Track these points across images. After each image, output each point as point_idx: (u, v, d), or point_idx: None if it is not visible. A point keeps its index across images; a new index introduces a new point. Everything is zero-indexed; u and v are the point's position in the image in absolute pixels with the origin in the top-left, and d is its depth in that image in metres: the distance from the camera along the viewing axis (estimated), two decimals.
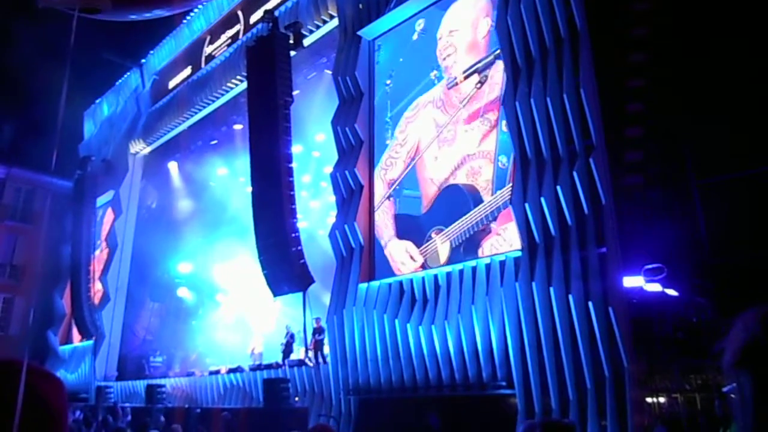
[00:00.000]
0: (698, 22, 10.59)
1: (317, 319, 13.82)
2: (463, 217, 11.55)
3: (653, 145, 10.51)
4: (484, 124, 11.68)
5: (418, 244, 12.10)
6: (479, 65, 12.28)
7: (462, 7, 12.94)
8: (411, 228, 12.44)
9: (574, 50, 9.93)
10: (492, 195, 11.12)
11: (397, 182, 13.20)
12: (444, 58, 12.79)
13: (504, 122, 11.18)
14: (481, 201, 11.34)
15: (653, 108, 10.37)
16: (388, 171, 13.38)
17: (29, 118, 28.00)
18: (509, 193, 10.64)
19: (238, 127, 21.20)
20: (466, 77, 12.38)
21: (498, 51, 11.69)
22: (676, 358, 9.90)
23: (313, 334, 13.82)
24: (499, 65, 11.59)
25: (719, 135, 10.92)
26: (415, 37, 14.00)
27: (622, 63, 10.29)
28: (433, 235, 11.98)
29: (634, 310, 9.09)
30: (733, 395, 1.02)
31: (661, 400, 9.61)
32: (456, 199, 11.83)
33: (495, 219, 10.89)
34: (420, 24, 14.02)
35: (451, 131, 12.36)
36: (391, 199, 13.13)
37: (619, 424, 8.22)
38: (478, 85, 12.20)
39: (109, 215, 24.08)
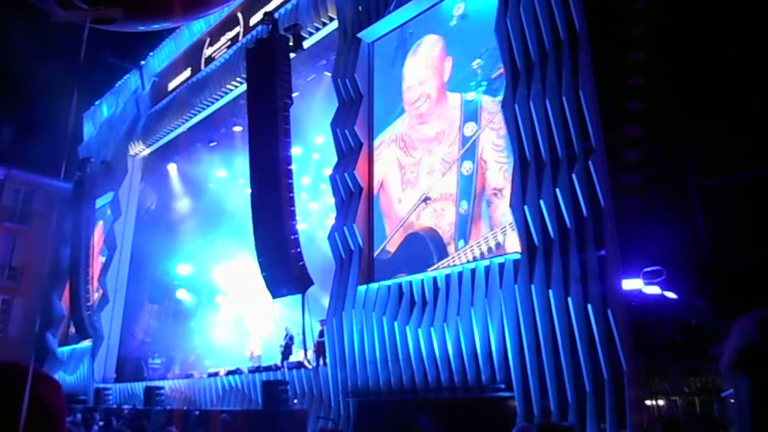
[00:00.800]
0: (698, 23, 10.60)
1: (322, 321, 13.80)
2: (433, 267, 11.62)
3: (652, 147, 10.52)
4: (445, 166, 11.99)
5: None
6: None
7: (422, 56, 13.30)
8: (383, 270, 12.59)
9: (573, 53, 9.94)
10: (455, 245, 11.30)
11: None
12: (418, 107, 13.02)
13: (464, 164, 11.59)
14: (443, 248, 11.54)
15: (652, 110, 10.38)
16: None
17: (28, 120, 27.99)
18: (470, 252, 10.92)
19: (237, 128, 21.22)
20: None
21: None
22: (675, 360, 9.89)
23: (319, 336, 13.81)
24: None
25: (718, 137, 10.93)
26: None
27: (621, 65, 10.30)
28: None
29: (633, 312, 9.09)
30: (731, 399, 1.02)
31: (660, 402, 9.60)
32: (419, 247, 12.03)
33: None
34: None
35: (414, 173, 12.67)
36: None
37: (618, 426, 8.22)
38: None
39: (106, 219, 24.07)
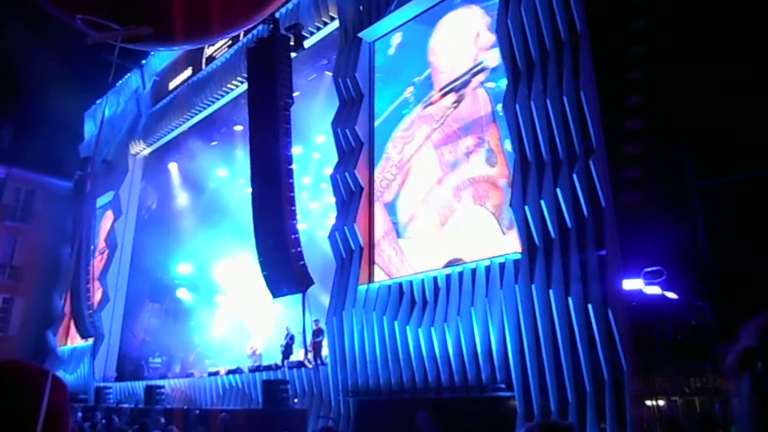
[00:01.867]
0: (699, 23, 10.60)
1: (316, 321, 13.83)
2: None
3: (653, 147, 10.52)
4: (485, 146, 11.54)
5: None
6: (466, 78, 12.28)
7: (455, 19, 12.83)
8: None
9: (574, 52, 9.94)
10: (502, 230, 10.73)
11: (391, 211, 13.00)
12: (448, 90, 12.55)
13: (506, 142, 11.01)
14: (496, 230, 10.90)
15: (653, 109, 10.38)
16: (384, 193, 13.25)
17: (29, 118, 28.02)
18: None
19: (238, 128, 21.25)
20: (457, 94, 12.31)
21: (480, 65, 11.90)
22: (675, 360, 9.90)
23: (313, 335, 13.83)
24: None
25: (719, 138, 10.93)
26: (391, 51, 14.07)
27: (621, 65, 10.30)
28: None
29: (634, 313, 9.09)
30: (735, 399, 1.04)
31: (661, 402, 9.61)
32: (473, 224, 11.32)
33: None
34: (397, 38, 14.11)
35: (452, 154, 12.16)
36: (391, 236, 12.85)
37: (618, 426, 8.22)
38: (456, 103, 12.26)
39: (107, 218, 24.09)
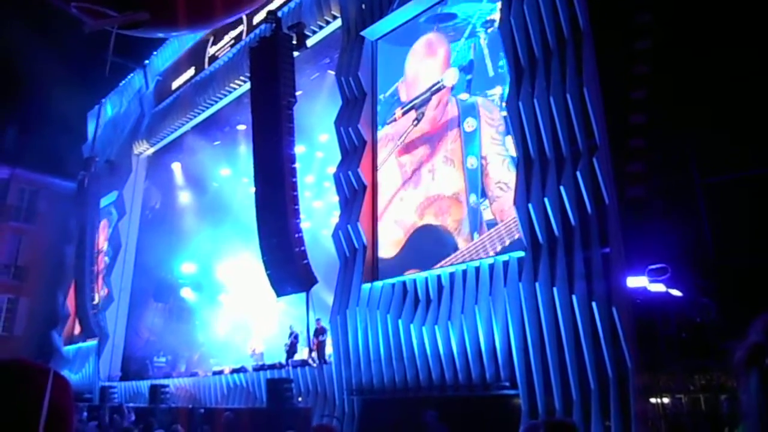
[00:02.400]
0: (704, 19, 10.56)
1: (318, 320, 13.84)
2: (446, 260, 11.59)
3: (657, 145, 10.49)
4: (448, 163, 12.01)
5: None
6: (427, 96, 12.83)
7: (422, 53, 13.34)
8: (384, 270, 12.64)
9: (577, 50, 9.92)
10: (470, 237, 11.26)
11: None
12: (419, 106, 13.03)
13: (469, 159, 11.63)
14: (452, 244, 11.53)
15: (657, 108, 10.35)
16: None
17: (33, 119, 28.09)
18: (488, 242, 10.90)
19: (241, 127, 21.27)
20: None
21: (438, 84, 12.55)
22: (680, 358, 9.86)
23: (315, 334, 13.84)
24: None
25: (724, 134, 10.89)
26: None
27: (625, 62, 10.27)
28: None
29: (638, 310, 9.07)
30: (743, 395, 1.04)
31: (665, 400, 9.58)
32: (430, 240, 11.99)
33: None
34: None
35: (415, 172, 12.71)
36: None
37: (622, 424, 8.21)
38: (416, 122, 12.89)
39: (105, 224, 24.18)
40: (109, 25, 2.58)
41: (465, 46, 12.41)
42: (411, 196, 12.63)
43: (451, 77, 12.46)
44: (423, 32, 13.40)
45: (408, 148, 12.96)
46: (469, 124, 11.85)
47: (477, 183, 11.47)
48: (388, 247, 12.77)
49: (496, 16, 11.88)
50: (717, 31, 10.52)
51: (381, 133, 13.62)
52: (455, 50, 12.56)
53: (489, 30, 12.09)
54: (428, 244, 12.01)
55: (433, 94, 12.71)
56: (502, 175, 11.07)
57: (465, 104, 12.05)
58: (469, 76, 12.13)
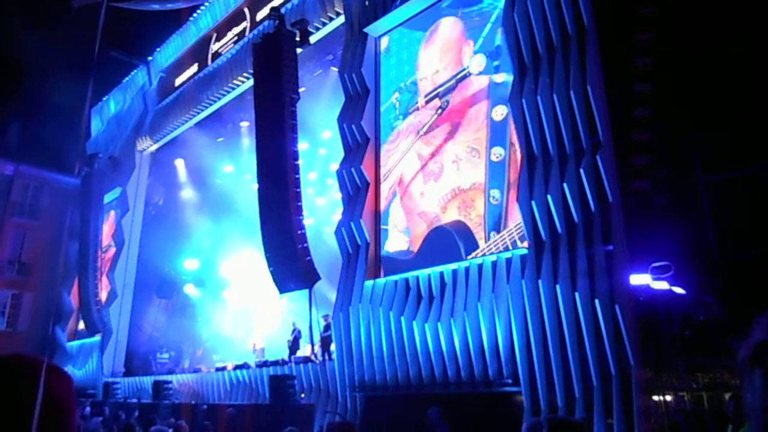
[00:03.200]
0: (709, 13, 10.51)
1: (326, 316, 13.85)
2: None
3: (661, 143, 10.46)
4: (473, 154, 11.56)
5: None
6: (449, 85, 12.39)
7: (438, 41, 12.94)
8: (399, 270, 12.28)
9: (581, 47, 9.88)
10: (486, 236, 10.92)
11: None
12: (435, 98, 12.63)
13: (493, 150, 11.15)
14: (473, 241, 11.11)
15: (661, 105, 10.32)
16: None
17: (36, 116, 28.13)
18: (507, 237, 10.61)
19: (244, 124, 21.31)
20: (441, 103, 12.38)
21: (464, 71, 12.07)
22: (683, 356, 9.86)
23: (324, 330, 13.86)
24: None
25: (727, 132, 10.86)
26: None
27: (629, 59, 10.23)
28: None
29: (641, 308, 9.06)
30: (747, 394, 1.03)
31: (668, 398, 9.58)
32: (446, 242, 11.58)
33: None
34: (383, 43, 14.24)
35: (437, 163, 12.23)
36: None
37: (625, 422, 8.20)
38: (440, 110, 12.41)
39: (112, 216, 24.23)
40: None
41: (491, 31, 11.93)
42: (433, 188, 12.16)
43: (477, 64, 11.98)
44: (444, 17, 12.95)
45: (431, 138, 12.47)
46: (499, 112, 11.25)
47: (502, 177, 10.92)
48: (413, 241, 12.33)
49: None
50: (721, 27, 10.47)
51: (403, 123, 13.17)
52: (482, 36, 12.08)
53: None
54: (447, 243, 11.53)
55: (458, 81, 12.20)
56: None
57: (497, 88, 11.40)
58: (496, 62, 11.60)
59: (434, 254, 11.74)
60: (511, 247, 10.46)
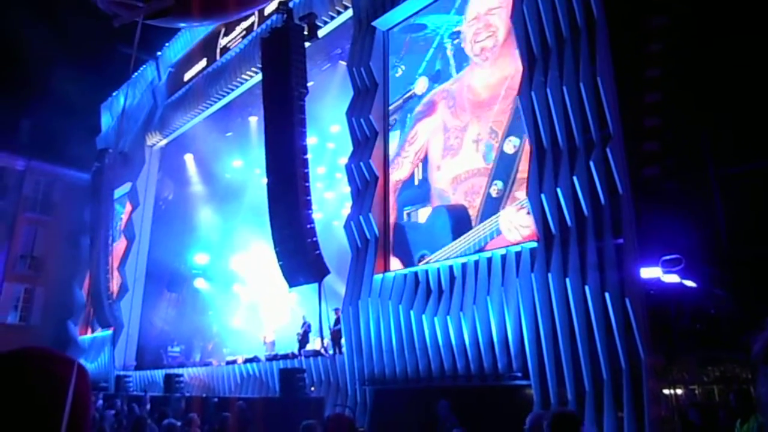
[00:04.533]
0: (720, 7, 10.39)
1: (337, 310, 13.90)
2: (446, 247, 11.38)
3: (671, 135, 10.37)
4: (491, 137, 11.33)
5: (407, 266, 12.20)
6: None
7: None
8: (404, 246, 12.41)
9: (590, 39, 9.81)
10: (480, 222, 10.89)
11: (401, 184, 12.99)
12: (481, 41, 11.95)
13: (509, 140, 10.91)
14: (468, 226, 11.07)
15: (671, 97, 10.22)
16: (395, 171, 13.24)
17: (47, 111, 28.30)
18: (496, 221, 10.64)
19: (253, 118, 21.32)
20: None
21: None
22: (693, 349, 9.81)
23: (335, 324, 13.92)
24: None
25: (739, 124, 10.75)
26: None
27: (639, 51, 10.14)
28: (417, 262, 11.96)
29: (652, 301, 9.01)
30: (761, 388, 1.02)
31: (679, 391, 9.54)
32: (441, 223, 11.61)
33: (482, 249, 10.83)
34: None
35: (458, 139, 11.94)
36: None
37: (635, 416, 8.19)
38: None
39: (126, 208, 24.39)
40: (137, 16, 2.62)
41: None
42: (449, 164, 11.88)
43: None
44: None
45: (457, 108, 12.03)
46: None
47: (510, 170, 10.62)
48: (419, 218, 12.34)
49: (462, 28, 12.03)
50: (734, 17, 10.35)
51: (441, 87, 12.62)
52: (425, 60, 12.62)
53: (455, 41, 12.22)
54: (441, 227, 11.52)
55: (500, 24, 11.60)
56: None
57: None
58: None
59: (430, 235, 11.84)
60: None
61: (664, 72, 10.04)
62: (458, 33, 12.22)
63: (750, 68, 10.31)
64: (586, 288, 8.86)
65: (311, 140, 15.90)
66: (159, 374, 18.18)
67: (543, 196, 9.66)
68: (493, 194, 10.93)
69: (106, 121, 28.53)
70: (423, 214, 12.33)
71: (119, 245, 23.80)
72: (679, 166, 10.71)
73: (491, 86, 11.66)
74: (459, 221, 11.37)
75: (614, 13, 9.84)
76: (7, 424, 1.06)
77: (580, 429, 3.01)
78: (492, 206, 10.91)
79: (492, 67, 11.76)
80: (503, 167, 10.96)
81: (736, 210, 11.18)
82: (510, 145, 10.96)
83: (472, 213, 11.21)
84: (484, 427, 8.96)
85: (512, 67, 11.15)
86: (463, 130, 11.86)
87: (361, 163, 13.33)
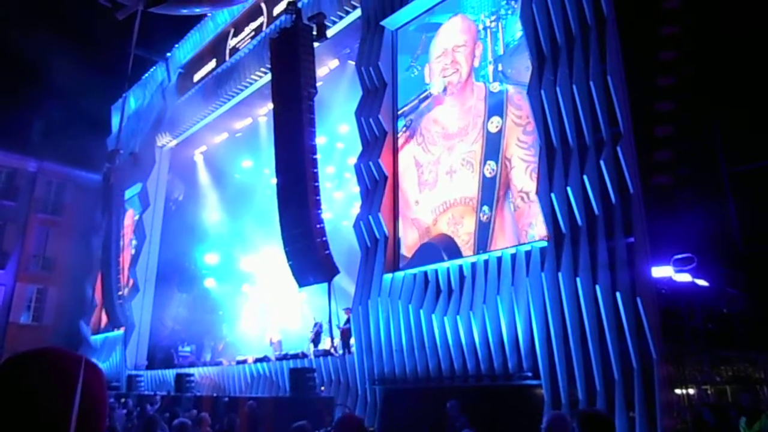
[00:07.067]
0: (730, 3, 10.31)
1: (347, 309, 13.91)
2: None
3: (683, 132, 10.29)
4: (467, 167, 11.55)
5: None
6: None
7: (456, 26, 12.79)
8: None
9: (601, 37, 9.75)
10: (474, 254, 10.97)
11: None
12: (448, 76, 12.51)
13: (488, 164, 11.11)
14: (459, 254, 11.20)
15: (683, 95, 10.15)
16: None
17: (58, 113, 28.53)
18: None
19: (262, 119, 21.37)
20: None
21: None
22: (706, 349, 9.74)
23: (346, 323, 13.94)
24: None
25: (751, 122, 10.66)
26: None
27: (650, 49, 10.08)
28: None
29: (663, 300, 8.96)
30: None
31: (691, 391, 9.48)
32: (433, 252, 11.69)
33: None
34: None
35: (432, 172, 12.26)
36: None
37: (647, 416, 8.13)
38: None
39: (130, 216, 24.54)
40: (138, 5, 2.62)
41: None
42: (427, 197, 12.28)
43: (478, 53, 12.11)
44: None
45: (427, 143, 12.59)
46: (494, 123, 11.22)
47: (492, 194, 10.93)
48: (407, 249, 12.54)
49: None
50: (746, 17, 10.26)
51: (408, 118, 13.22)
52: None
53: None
54: (434, 257, 11.62)
55: (464, 62, 12.08)
56: (525, 184, 10.44)
57: (494, 98, 11.39)
58: (500, 66, 11.57)
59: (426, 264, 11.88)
60: None
61: (675, 70, 9.97)
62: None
63: (763, 65, 10.21)
64: (597, 287, 8.81)
65: (320, 140, 15.92)
66: (170, 374, 18.27)
67: (553, 195, 9.61)
68: (483, 220, 11.08)
69: (117, 122, 28.70)
70: (410, 249, 12.47)
71: (127, 251, 23.96)
72: (691, 164, 10.64)
73: (459, 118, 12.07)
74: (448, 251, 11.55)
75: (625, 10, 9.77)
76: (23, 423, 1.07)
77: (613, 429, 2.86)
78: (484, 232, 11.04)
79: (456, 100, 12.27)
80: (487, 193, 11.13)
81: (748, 208, 11.09)
82: (488, 169, 11.19)
83: (460, 243, 11.39)
84: (494, 427, 8.94)
85: (474, 96, 11.81)
86: (436, 163, 12.28)
87: (370, 163, 13.33)
